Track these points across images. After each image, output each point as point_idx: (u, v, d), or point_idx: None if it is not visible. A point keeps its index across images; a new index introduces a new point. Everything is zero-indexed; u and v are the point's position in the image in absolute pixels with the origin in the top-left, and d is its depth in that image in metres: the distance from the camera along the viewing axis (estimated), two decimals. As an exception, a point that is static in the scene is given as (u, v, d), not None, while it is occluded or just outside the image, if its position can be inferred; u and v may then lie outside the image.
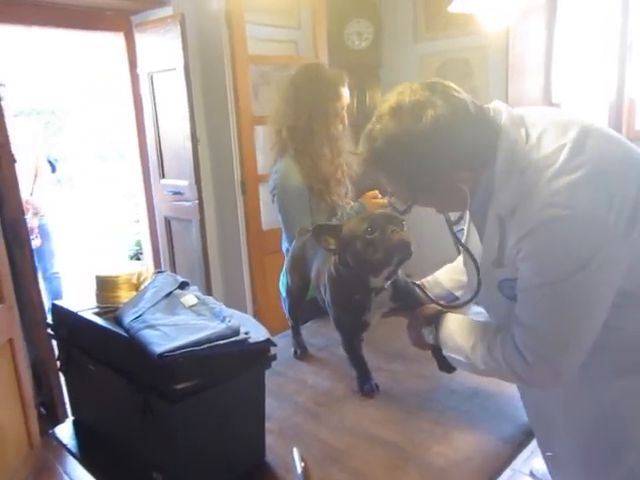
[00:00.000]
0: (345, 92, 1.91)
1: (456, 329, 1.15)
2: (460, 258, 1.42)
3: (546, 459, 1.25)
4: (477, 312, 1.26)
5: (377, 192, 1.98)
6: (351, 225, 1.28)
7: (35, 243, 3.75)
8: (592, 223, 0.87)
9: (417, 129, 0.93)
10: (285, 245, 2.02)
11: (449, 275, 1.44)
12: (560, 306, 0.93)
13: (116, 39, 3.44)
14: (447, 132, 0.93)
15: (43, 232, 3.83)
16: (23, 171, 3.53)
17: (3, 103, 3.25)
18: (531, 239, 0.90)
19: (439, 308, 1.27)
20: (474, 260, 1.08)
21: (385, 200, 1.94)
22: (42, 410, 2.62)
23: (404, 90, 0.98)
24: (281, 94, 1.97)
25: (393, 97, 0.98)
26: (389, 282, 1.33)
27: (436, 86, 0.97)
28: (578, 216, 0.87)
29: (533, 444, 1.27)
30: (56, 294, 3.96)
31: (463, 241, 1.17)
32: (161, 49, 3.16)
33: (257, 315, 3.36)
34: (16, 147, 3.60)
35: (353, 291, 1.34)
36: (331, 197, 1.92)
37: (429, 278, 1.47)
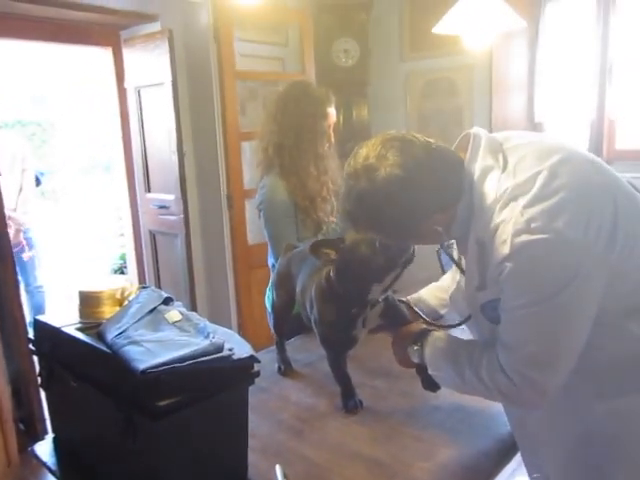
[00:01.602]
0: (332, 111, 1.93)
1: (442, 348, 1.16)
2: (445, 277, 1.44)
3: None
4: (461, 328, 1.26)
5: None
6: (352, 235, 1.28)
7: (27, 255, 3.73)
8: (571, 245, 0.89)
9: (373, 190, 0.97)
10: (271, 260, 2.02)
11: (433, 293, 1.46)
12: (543, 326, 0.94)
13: (104, 54, 3.45)
14: (403, 188, 0.96)
15: (28, 245, 3.81)
16: (8, 185, 3.53)
17: None
18: (511, 263, 0.92)
19: (424, 327, 1.28)
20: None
21: None
22: (21, 426, 2.57)
23: (364, 146, 1.01)
24: (268, 111, 1.98)
25: (355, 157, 1.01)
26: (385, 294, 1.34)
27: (392, 142, 0.98)
28: (556, 239, 0.89)
29: (516, 460, 1.29)
30: (39, 308, 3.92)
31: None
32: (149, 64, 3.18)
33: (241, 330, 3.34)
34: (2, 160, 3.59)
35: (348, 304, 1.34)
36: (317, 214, 1.93)
37: (414, 295, 1.48)
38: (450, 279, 1.41)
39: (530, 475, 1.25)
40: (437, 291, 1.45)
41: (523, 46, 3.46)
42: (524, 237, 0.89)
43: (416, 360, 1.22)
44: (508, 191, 0.94)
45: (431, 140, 1.02)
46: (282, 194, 1.90)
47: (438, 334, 1.21)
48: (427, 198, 0.99)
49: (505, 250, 0.92)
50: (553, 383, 0.98)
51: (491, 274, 0.97)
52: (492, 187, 0.97)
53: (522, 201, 0.92)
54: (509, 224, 0.92)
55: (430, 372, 1.18)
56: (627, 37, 3.12)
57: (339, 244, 1.30)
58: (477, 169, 1.00)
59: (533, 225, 0.89)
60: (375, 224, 1.04)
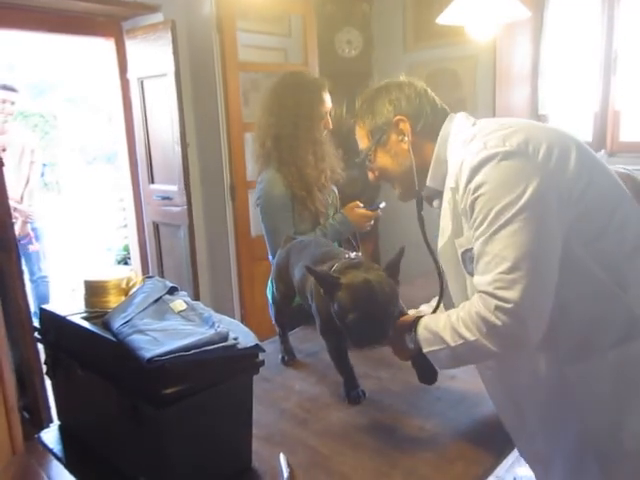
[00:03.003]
0: (328, 96, 1.94)
1: (430, 320, 1.16)
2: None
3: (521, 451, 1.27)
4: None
5: (358, 202, 2.00)
6: (348, 296, 1.19)
7: (33, 247, 3.77)
8: (523, 156, 0.99)
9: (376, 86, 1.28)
10: (269, 254, 2.02)
11: (422, 309, 1.46)
12: (507, 243, 0.96)
13: (106, 45, 3.44)
14: (395, 87, 1.24)
15: (35, 237, 3.84)
16: (16, 177, 3.55)
17: (14, 108, 3.31)
18: (472, 183, 1.00)
19: (417, 315, 1.27)
20: (434, 256, 1.19)
21: (369, 212, 1.97)
22: (25, 414, 2.59)
23: None
24: (264, 104, 1.97)
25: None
26: None
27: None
28: (509, 152, 0.99)
29: (517, 452, 1.29)
30: (43, 298, 3.95)
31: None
32: (152, 55, 3.17)
33: (244, 321, 3.36)
34: (11, 152, 3.61)
35: None
36: (314, 205, 1.93)
37: (412, 311, 1.47)
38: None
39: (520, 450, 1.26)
40: (428, 307, 1.45)
41: (527, 37, 3.44)
42: (481, 154, 1.00)
43: (412, 345, 1.21)
44: (471, 135, 1.09)
45: None
46: (279, 188, 1.90)
47: (429, 315, 1.21)
48: (413, 104, 1.22)
49: (467, 174, 1.02)
50: (529, 307, 0.95)
51: (461, 209, 1.05)
52: (462, 137, 1.13)
53: (481, 135, 1.06)
54: (470, 154, 1.03)
55: (424, 350, 1.15)
56: (632, 27, 3.10)
57: (335, 288, 1.22)
58: (453, 127, 1.18)
59: (489, 144, 1.01)
60: (365, 109, 1.27)
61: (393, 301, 1.22)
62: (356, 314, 1.18)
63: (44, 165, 4.49)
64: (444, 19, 2.09)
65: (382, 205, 2.01)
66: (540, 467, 1.25)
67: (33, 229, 3.82)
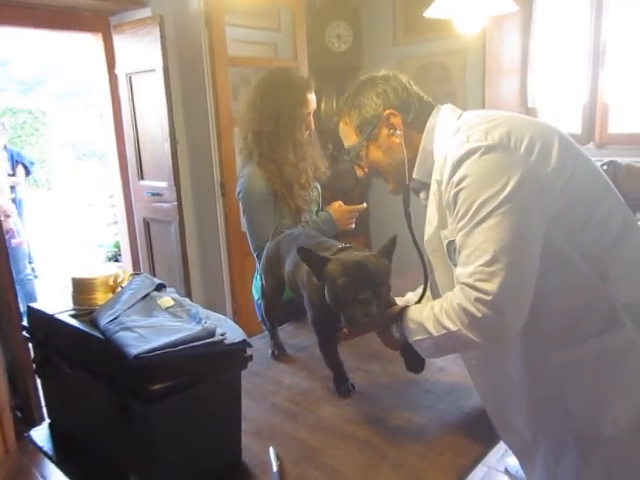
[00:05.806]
0: (312, 97, 1.91)
1: (415, 311, 1.17)
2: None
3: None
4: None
5: (341, 202, 2.01)
6: (338, 265, 1.22)
7: (16, 242, 3.73)
8: (505, 150, 1.00)
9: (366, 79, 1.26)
10: (251, 250, 2.00)
11: (409, 297, 1.47)
12: (492, 235, 0.97)
13: (94, 40, 3.42)
14: (382, 80, 1.23)
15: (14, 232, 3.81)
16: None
17: None
18: (455, 176, 1.02)
19: (402, 306, 1.28)
20: (418, 246, 1.21)
21: (351, 206, 1.99)
22: (18, 413, 2.58)
23: None
24: (248, 99, 1.96)
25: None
26: None
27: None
28: (492, 146, 1.00)
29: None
30: (30, 296, 3.93)
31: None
32: (140, 50, 3.15)
33: (236, 316, 3.36)
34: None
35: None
36: (295, 202, 1.91)
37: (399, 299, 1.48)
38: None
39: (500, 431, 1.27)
40: (414, 295, 1.46)
41: (516, 30, 3.45)
42: (463, 148, 1.02)
43: (398, 335, 1.22)
44: (456, 128, 1.10)
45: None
46: (260, 183, 1.89)
47: (415, 306, 1.22)
48: (401, 96, 1.22)
49: (450, 167, 1.03)
50: (508, 300, 0.97)
51: (446, 200, 1.06)
52: (447, 130, 1.14)
53: (465, 128, 1.07)
54: (454, 147, 1.05)
55: (410, 341, 1.16)
56: (620, 20, 3.12)
57: (323, 265, 1.24)
58: (439, 120, 1.18)
59: (471, 138, 1.02)
60: (356, 103, 1.24)
61: (384, 273, 1.23)
62: (346, 279, 1.18)
63: (31, 163, 4.44)
64: (431, 12, 2.09)
65: (363, 205, 2.04)
66: (524, 456, 1.26)
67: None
